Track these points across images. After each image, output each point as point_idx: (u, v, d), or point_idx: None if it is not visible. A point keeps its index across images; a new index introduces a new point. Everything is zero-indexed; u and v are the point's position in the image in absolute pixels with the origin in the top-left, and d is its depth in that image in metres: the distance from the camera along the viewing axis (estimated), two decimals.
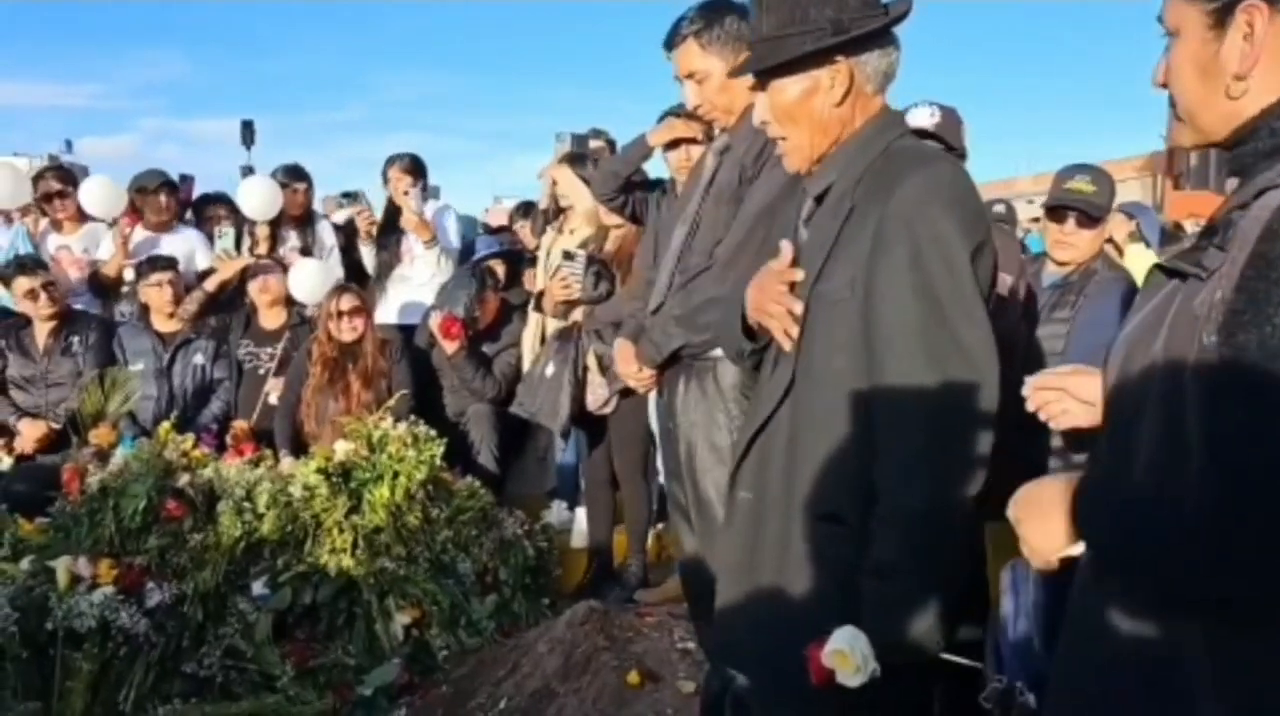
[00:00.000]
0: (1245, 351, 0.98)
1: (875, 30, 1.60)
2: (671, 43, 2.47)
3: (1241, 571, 0.99)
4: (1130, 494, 1.13)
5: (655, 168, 3.47)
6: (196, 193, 5.64)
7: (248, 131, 13.99)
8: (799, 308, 1.60)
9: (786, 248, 1.67)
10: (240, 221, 5.16)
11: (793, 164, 1.71)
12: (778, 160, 1.86)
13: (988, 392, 1.46)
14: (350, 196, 5.68)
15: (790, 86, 1.65)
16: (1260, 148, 1.12)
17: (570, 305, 4.02)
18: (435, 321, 4.54)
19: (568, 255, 3.90)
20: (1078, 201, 3.02)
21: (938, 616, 1.43)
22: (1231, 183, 1.21)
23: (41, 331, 4.64)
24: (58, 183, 5.14)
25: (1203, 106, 1.16)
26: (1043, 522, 1.21)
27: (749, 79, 2.13)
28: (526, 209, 6.09)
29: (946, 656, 1.44)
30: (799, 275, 1.64)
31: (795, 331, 1.60)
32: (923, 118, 2.71)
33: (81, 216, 5.14)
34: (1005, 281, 2.73)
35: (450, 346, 4.52)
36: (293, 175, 5.31)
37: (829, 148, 1.67)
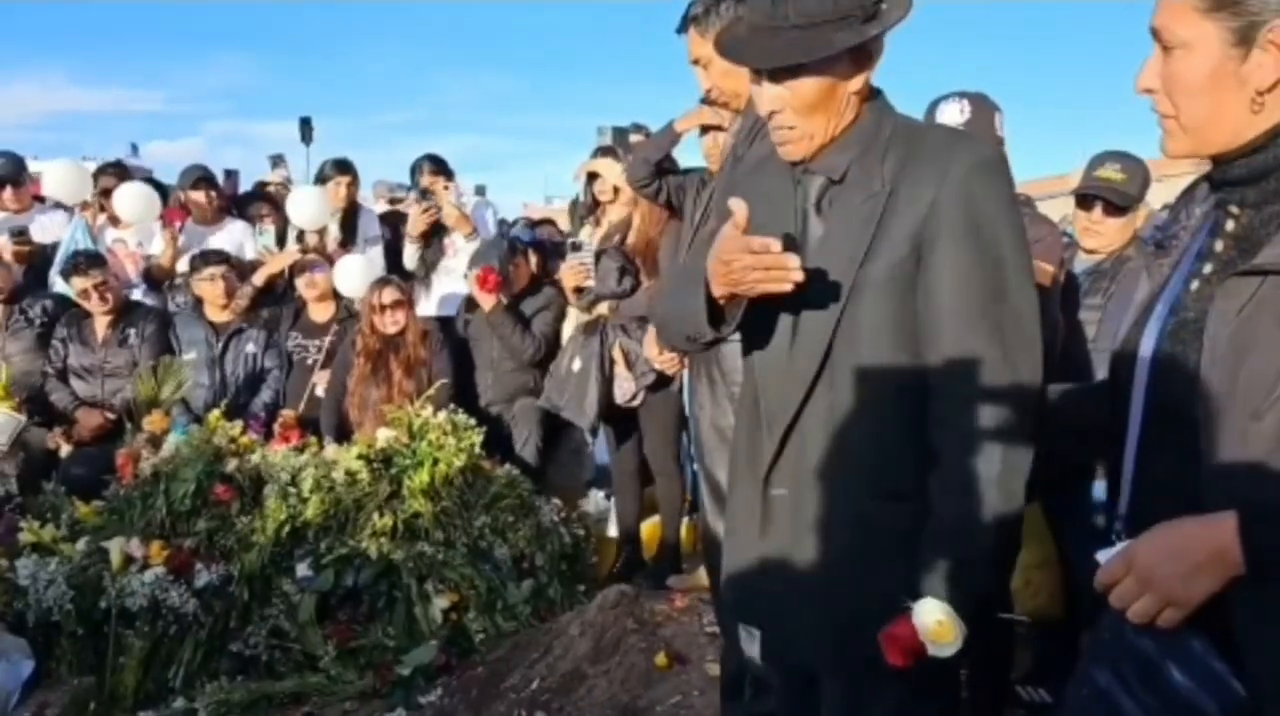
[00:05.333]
0: None
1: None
2: (680, 28, 2.48)
3: None
4: None
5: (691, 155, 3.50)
6: (245, 188, 5.77)
7: (306, 128, 14.10)
8: (795, 261, 1.49)
9: (740, 207, 1.53)
10: (282, 220, 5.27)
11: (798, 152, 1.62)
12: (764, 137, 1.85)
13: (1040, 360, 1.51)
14: (416, 190, 5.50)
15: (817, 78, 1.55)
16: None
17: (582, 294, 4.05)
18: (473, 276, 4.45)
19: (575, 247, 3.97)
20: (1105, 189, 3.00)
21: (1005, 574, 1.57)
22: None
23: (101, 323, 4.80)
24: (116, 180, 5.33)
25: (1216, 118, 1.18)
26: (1188, 571, 1.12)
27: None
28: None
29: (1004, 616, 1.55)
30: (795, 263, 1.51)
31: (799, 276, 1.49)
32: (953, 114, 2.65)
33: None
34: (1046, 271, 2.70)
35: (488, 300, 4.41)
36: (340, 168, 5.39)
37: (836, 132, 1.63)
